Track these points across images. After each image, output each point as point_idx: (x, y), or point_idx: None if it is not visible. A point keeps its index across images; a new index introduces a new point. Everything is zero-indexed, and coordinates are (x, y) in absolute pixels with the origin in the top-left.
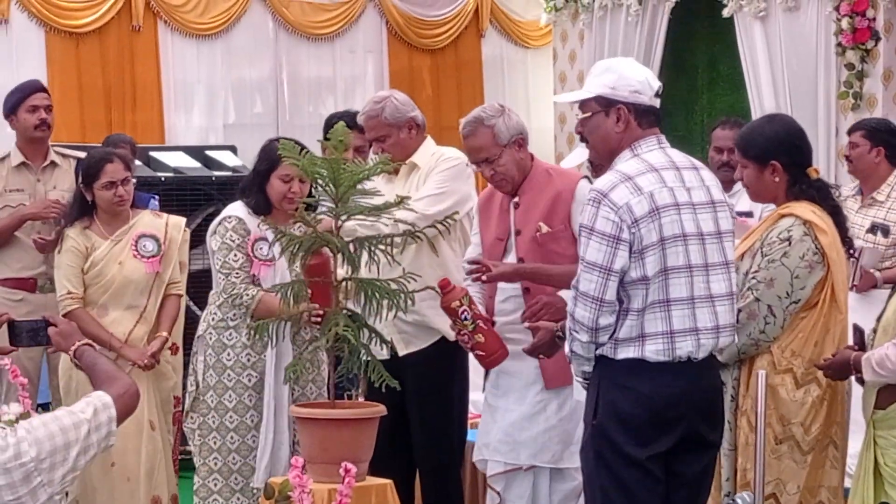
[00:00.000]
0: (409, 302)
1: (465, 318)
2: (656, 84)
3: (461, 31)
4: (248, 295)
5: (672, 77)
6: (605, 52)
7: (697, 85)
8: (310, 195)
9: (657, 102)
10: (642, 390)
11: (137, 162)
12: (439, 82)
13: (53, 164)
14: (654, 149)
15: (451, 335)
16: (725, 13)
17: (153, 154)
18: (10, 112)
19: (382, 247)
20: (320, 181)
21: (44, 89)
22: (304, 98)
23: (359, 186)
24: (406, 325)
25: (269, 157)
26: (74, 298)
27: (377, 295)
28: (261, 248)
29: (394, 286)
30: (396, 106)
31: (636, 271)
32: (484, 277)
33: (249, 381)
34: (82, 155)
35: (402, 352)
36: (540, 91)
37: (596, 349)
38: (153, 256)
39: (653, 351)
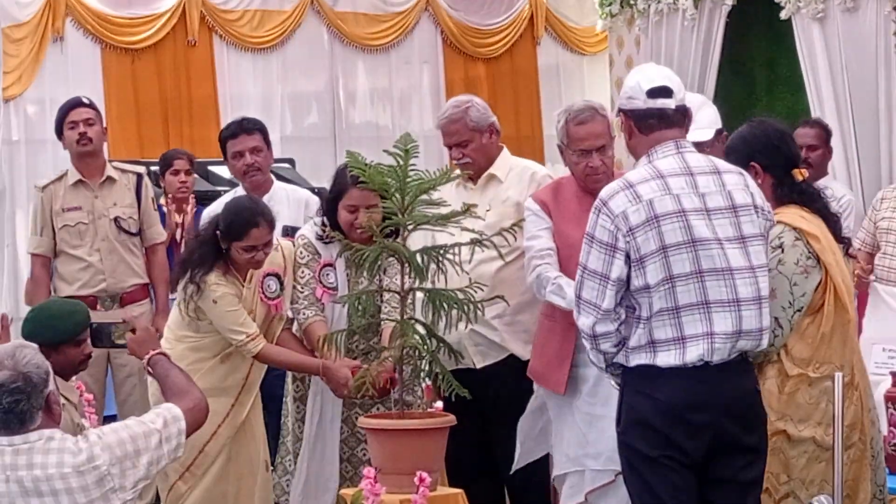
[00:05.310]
0: (480, 312)
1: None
2: (649, 84)
3: (516, 39)
4: (303, 315)
5: (730, 80)
6: (662, 57)
7: (755, 88)
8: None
9: (659, 103)
10: (658, 396)
11: (196, 176)
12: (496, 91)
13: (111, 179)
14: (670, 154)
15: (524, 355)
16: (783, 15)
17: (211, 168)
18: (58, 131)
19: (450, 256)
20: (386, 191)
21: (83, 104)
22: (360, 109)
23: (425, 196)
24: (479, 338)
25: (337, 186)
26: (256, 337)
27: (445, 305)
28: (327, 275)
29: (460, 296)
30: (479, 109)
31: (638, 280)
32: None
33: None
34: (141, 170)
35: (479, 364)
36: (597, 98)
37: (611, 357)
38: (277, 297)
39: (664, 357)
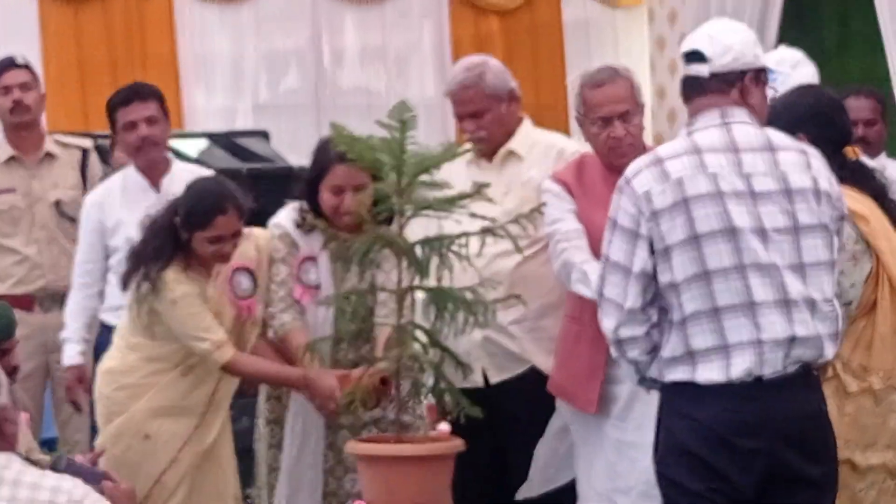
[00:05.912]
0: (493, 315)
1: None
2: (684, 47)
3: None
4: (279, 321)
5: (794, 38)
6: (712, 10)
7: (825, 46)
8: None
9: (692, 69)
10: (699, 417)
11: None
12: (511, 51)
13: (51, 156)
14: (713, 125)
15: (548, 368)
16: None
17: (173, 143)
18: None
19: (455, 248)
20: (379, 169)
21: (17, 65)
22: (348, 72)
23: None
24: (495, 348)
25: (319, 163)
26: (223, 345)
27: (451, 307)
28: (308, 272)
29: (469, 296)
30: (496, 73)
31: (664, 275)
32: None
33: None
34: (87, 144)
35: (494, 379)
36: (634, 60)
37: (644, 368)
38: (249, 297)
39: (704, 371)
